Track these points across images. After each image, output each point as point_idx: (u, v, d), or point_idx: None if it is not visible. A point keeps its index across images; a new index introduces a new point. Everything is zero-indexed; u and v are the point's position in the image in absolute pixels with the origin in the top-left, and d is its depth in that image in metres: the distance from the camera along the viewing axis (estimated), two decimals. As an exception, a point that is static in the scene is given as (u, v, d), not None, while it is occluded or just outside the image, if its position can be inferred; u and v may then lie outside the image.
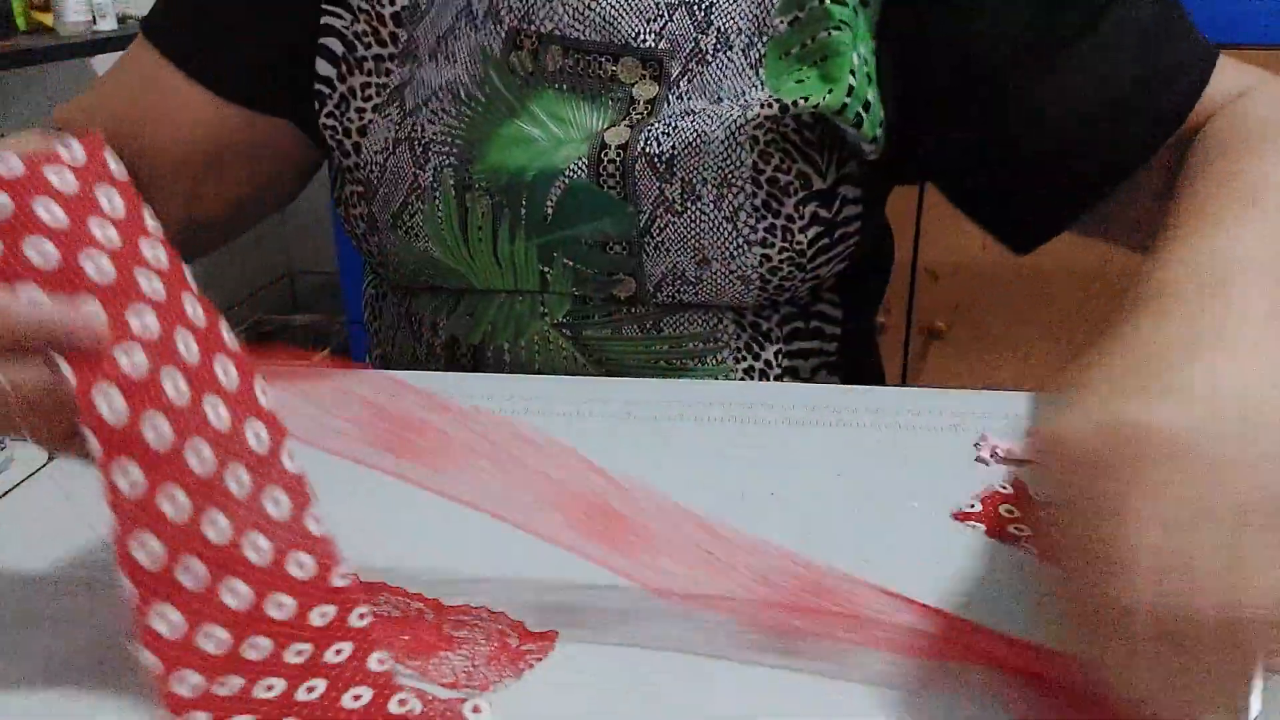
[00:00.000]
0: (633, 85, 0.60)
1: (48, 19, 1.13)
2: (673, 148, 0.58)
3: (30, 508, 0.48)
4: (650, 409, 0.57)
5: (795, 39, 0.58)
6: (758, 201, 0.59)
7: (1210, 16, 1.33)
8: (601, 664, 0.37)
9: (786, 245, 0.60)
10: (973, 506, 0.46)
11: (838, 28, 0.58)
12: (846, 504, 0.47)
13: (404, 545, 0.44)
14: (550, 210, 0.60)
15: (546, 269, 0.62)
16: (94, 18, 1.16)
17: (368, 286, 0.75)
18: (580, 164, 0.59)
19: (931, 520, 0.46)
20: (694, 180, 0.59)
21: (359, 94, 0.63)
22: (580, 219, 0.60)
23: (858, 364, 0.71)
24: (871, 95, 0.58)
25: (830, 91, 0.57)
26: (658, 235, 0.60)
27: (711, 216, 0.59)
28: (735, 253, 0.59)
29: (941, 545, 0.44)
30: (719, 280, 0.60)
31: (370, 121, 0.63)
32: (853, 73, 0.57)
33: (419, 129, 0.62)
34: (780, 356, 0.65)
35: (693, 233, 0.60)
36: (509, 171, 0.60)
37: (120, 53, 1.32)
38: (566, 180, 0.60)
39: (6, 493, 0.50)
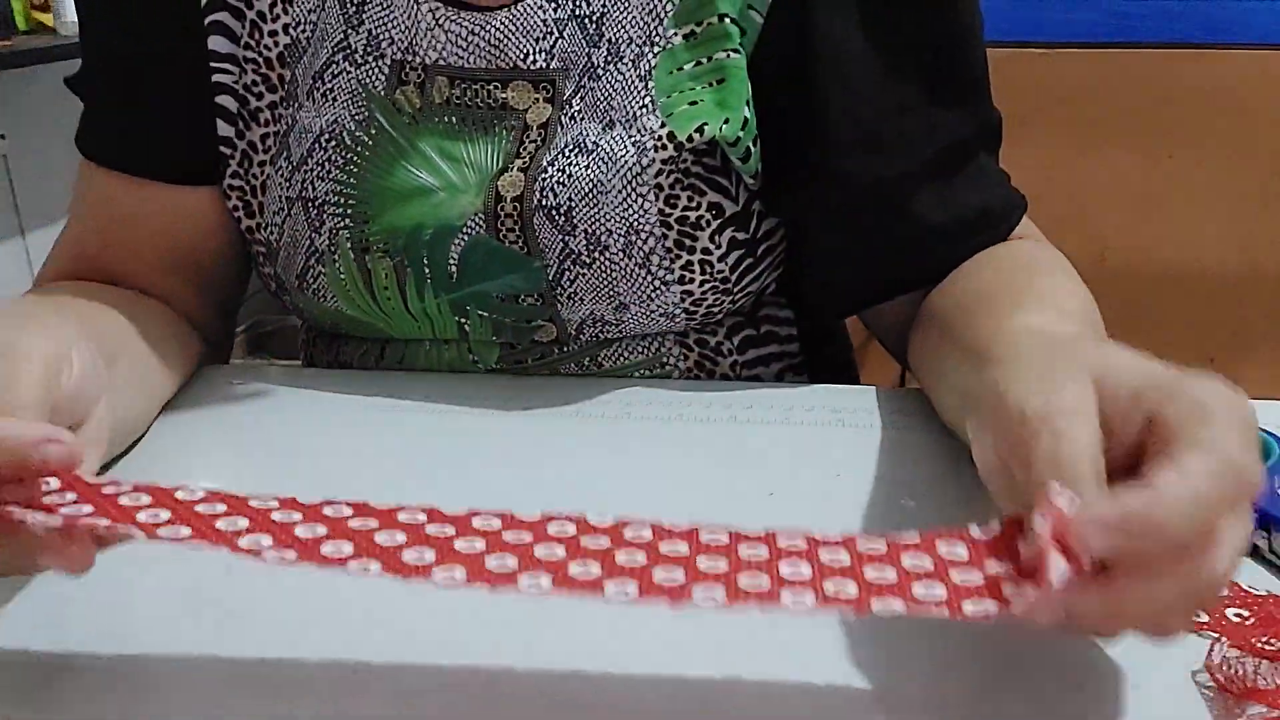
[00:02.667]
0: (526, 111, 0.57)
1: (48, 19, 1.13)
2: (569, 199, 0.55)
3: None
4: (649, 409, 0.57)
5: (689, 55, 0.55)
6: (669, 243, 0.56)
7: (1211, 16, 1.33)
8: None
9: (708, 276, 0.57)
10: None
11: (736, 50, 0.55)
12: (846, 504, 0.47)
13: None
14: (454, 268, 0.57)
15: (463, 320, 0.60)
16: (93, 18, 1.15)
17: (301, 331, 0.73)
18: (478, 219, 0.56)
19: (932, 521, 0.46)
20: (598, 231, 0.56)
21: (259, 148, 0.61)
22: (486, 275, 0.57)
23: (824, 361, 0.69)
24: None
25: (727, 122, 0.54)
26: (569, 286, 0.57)
27: (622, 265, 0.56)
28: (653, 294, 0.57)
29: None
30: (641, 319, 0.59)
31: (268, 177, 0.60)
32: (747, 103, 0.55)
33: (310, 186, 0.58)
34: (738, 368, 0.63)
35: (605, 281, 0.57)
36: (405, 230, 0.57)
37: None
38: (465, 237, 0.57)
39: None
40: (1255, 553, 0.43)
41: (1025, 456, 0.34)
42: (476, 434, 0.55)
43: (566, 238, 0.56)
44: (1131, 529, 0.30)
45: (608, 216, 0.55)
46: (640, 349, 0.62)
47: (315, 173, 0.58)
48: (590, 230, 0.56)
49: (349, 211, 0.57)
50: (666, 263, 0.56)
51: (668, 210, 0.55)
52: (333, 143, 0.58)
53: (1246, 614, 0.39)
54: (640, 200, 0.55)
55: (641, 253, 0.56)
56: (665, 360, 0.62)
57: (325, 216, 0.58)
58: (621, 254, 0.56)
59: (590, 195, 0.55)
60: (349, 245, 0.58)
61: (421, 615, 0.40)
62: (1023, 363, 0.38)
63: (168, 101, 0.61)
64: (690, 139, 0.54)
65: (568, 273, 0.57)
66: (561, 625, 0.39)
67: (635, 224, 0.55)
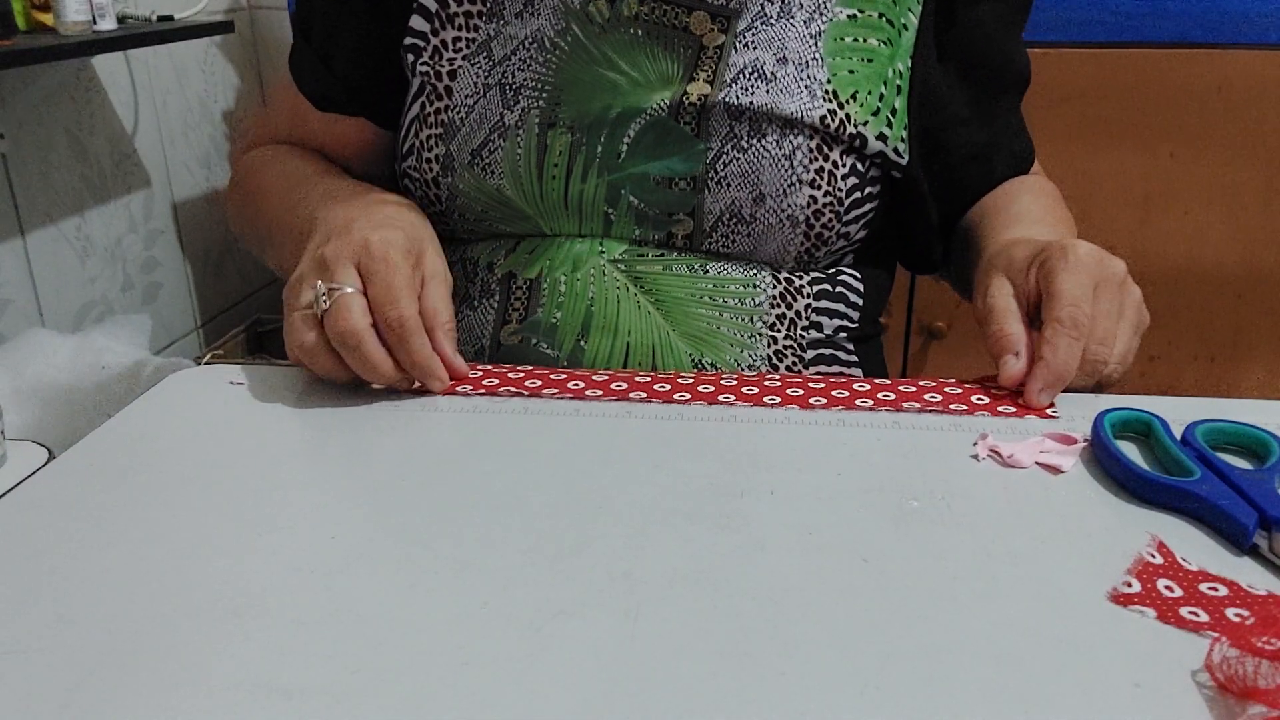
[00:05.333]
0: (702, 36, 0.68)
1: (48, 19, 1.13)
2: (751, 104, 0.67)
3: (30, 508, 0.48)
4: (651, 409, 0.57)
5: (851, 32, 0.69)
6: (813, 144, 0.67)
7: (1210, 16, 1.33)
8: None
9: (830, 190, 0.68)
10: (1130, 585, 0.41)
11: (887, 42, 0.69)
12: (846, 503, 0.47)
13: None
14: (626, 146, 0.67)
15: (611, 210, 0.68)
16: (94, 18, 1.16)
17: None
18: (662, 105, 0.67)
19: (933, 521, 0.46)
20: (761, 120, 0.67)
21: (450, 46, 0.70)
22: (653, 155, 0.67)
23: (869, 346, 0.77)
24: (899, 104, 0.70)
25: (870, 119, 0.68)
26: (721, 170, 0.67)
27: (773, 154, 0.67)
28: (788, 190, 0.67)
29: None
30: (770, 219, 0.67)
31: (459, 68, 0.70)
32: (885, 83, 0.69)
33: (510, 75, 0.68)
34: (809, 310, 0.71)
35: (753, 168, 0.67)
36: (594, 111, 0.67)
37: (119, 52, 1.31)
38: (646, 118, 0.67)
39: (6, 493, 0.50)
40: (1255, 552, 0.43)
41: (986, 327, 0.61)
42: (476, 433, 0.55)
43: (734, 123, 0.67)
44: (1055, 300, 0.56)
45: (776, 106, 0.67)
46: (742, 269, 0.69)
47: (516, 66, 0.69)
48: (755, 119, 0.67)
49: (544, 94, 0.68)
50: (806, 162, 0.67)
51: (820, 119, 0.67)
52: (534, 45, 0.69)
53: (1246, 614, 0.39)
54: (806, 98, 0.67)
55: (791, 145, 0.67)
56: (757, 283, 0.69)
57: (520, 98, 0.68)
58: (774, 144, 0.67)
59: (767, 97, 0.67)
60: (537, 120, 0.68)
61: (421, 619, 0.40)
62: (983, 272, 0.64)
63: (339, 44, 0.74)
64: (846, 119, 0.67)
65: (724, 156, 0.67)
66: (563, 627, 0.39)
67: (793, 118, 0.67)
